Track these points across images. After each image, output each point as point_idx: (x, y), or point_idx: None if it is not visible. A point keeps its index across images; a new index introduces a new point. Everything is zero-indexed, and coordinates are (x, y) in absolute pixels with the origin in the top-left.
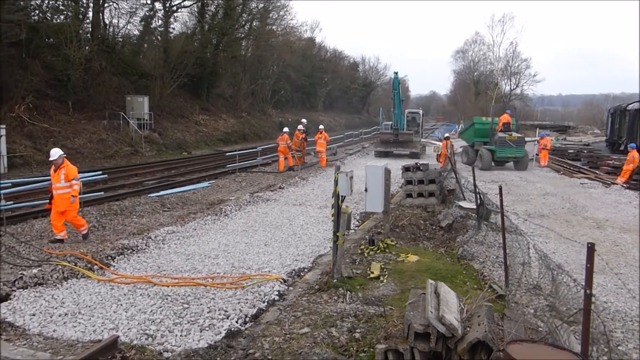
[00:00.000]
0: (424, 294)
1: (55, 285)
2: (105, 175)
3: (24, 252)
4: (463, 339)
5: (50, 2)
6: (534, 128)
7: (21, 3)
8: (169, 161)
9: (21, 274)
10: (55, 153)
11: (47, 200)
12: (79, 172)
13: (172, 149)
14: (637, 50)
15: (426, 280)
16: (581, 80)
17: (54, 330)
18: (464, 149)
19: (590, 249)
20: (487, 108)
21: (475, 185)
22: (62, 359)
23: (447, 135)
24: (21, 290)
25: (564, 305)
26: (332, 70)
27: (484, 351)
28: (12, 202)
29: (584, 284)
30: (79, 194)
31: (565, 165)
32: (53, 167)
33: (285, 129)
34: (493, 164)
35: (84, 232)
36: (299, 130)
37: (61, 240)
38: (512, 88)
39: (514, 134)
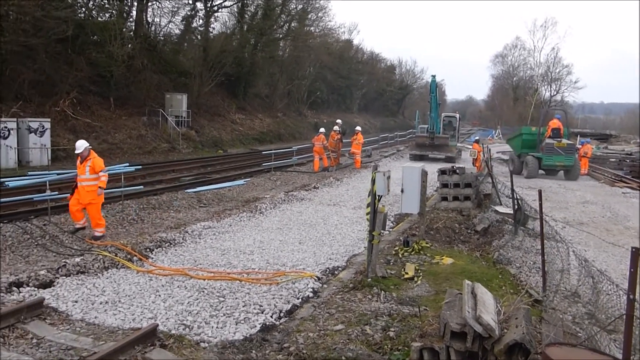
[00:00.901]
0: (461, 294)
1: (97, 274)
2: (140, 167)
3: (67, 241)
4: (500, 340)
5: (97, 0)
6: (574, 135)
7: (69, 1)
8: (205, 158)
9: (64, 262)
10: (81, 145)
11: (70, 192)
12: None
13: (208, 147)
14: None
15: (462, 282)
16: (624, 88)
17: (96, 317)
18: (510, 158)
19: (635, 253)
20: (526, 114)
21: (512, 190)
22: (104, 345)
23: (477, 138)
24: (64, 277)
25: (604, 313)
26: (369, 73)
27: (521, 353)
28: (56, 192)
29: (627, 289)
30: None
31: (606, 174)
32: (79, 159)
33: (322, 130)
34: (544, 172)
35: (98, 234)
36: (335, 131)
37: (82, 228)
38: (552, 94)
39: (564, 141)
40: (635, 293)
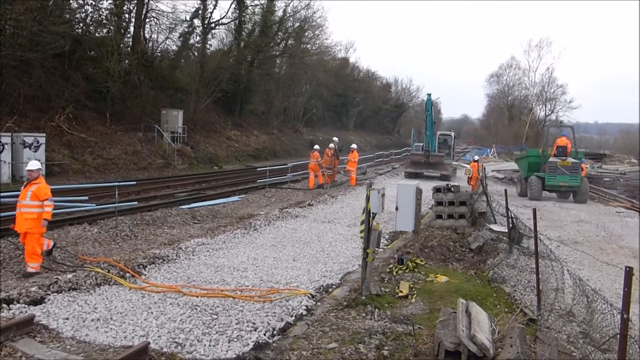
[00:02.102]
0: (455, 312)
1: (89, 290)
2: (134, 182)
3: (59, 257)
4: None
5: (94, 16)
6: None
7: (66, 16)
8: (200, 174)
9: (56, 278)
10: (35, 165)
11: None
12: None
13: (204, 163)
14: None
15: (457, 300)
16: (618, 108)
17: (86, 335)
18: (518, 180)
19: (629, 272)
20: (521, 133)
21: (507, 209)
22: None
23: (476, 157)
24: (56, 294)
25: (598, 332)
26: (365, 91)
27: None
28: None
29: (621, 308)
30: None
31: (600, 193)
32: (25, 182)
33: (316, 147)
34: (556, 195)
35: (31, 270)
36: (330, 148)
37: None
38: (547, 114)
39: (569, 159)
40: (629, 312)
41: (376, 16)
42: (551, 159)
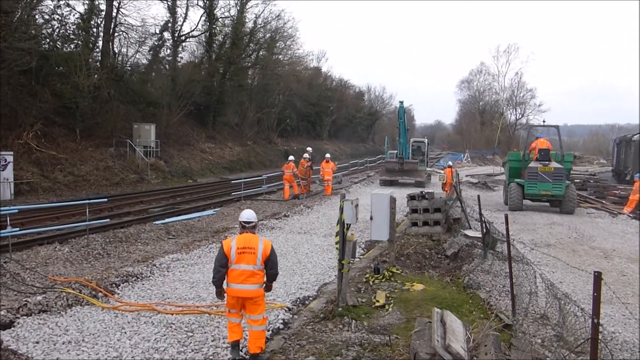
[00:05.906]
0: (430, 322)
1: (60, 312)
2: (106, 200)
3: (28, 278)
4: None
5: (61, 31)
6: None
7: (32, 32)
8: (174, 189)
9: (25, 301)
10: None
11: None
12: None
13: (178, 177)
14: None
15: (432, 309)
16: (587, 111)
17: (57, 359)
18: (504, 188)
19: (598, 277)
20: (493, 137)
21: (480, 214)
22: None
23: (450, 163)
24: (25, 317)
25: (572, 335)
26: (338, 99)
27: None
28: (18, 228)
29: (591, 313)
30: None
31: None
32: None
33: (291, 157)
34: (549, 204)
35: None
36: (305, 158)
37: None
38: (517, 118)
39: (552, 164)
40: (599, 316)
41: (347, 26)
42: (531, 164)
